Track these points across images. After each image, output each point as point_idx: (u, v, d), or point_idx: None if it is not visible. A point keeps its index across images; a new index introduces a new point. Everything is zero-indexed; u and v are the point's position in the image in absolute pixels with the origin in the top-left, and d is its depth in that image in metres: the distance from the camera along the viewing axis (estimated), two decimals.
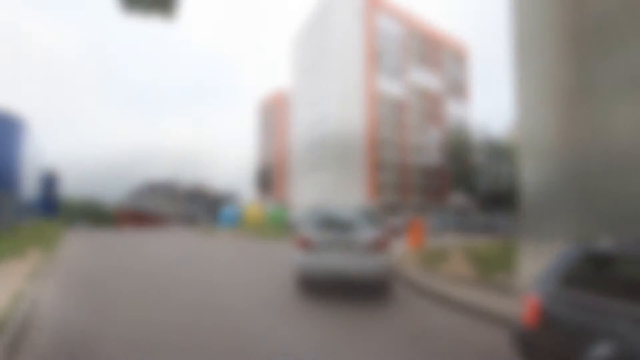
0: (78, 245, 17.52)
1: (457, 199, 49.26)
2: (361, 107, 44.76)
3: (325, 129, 49.22)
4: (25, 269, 8.75)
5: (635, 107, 6.70)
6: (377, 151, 45.88)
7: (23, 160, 29.84)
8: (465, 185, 39.01)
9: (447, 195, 50.73)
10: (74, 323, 5.28)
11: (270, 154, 70.17)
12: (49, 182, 37.97)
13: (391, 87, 46.82)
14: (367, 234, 6.96)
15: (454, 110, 54.43)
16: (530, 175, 7.34)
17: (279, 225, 32.39)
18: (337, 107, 46.67)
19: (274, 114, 71.44)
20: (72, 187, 40.50)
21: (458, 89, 55.28)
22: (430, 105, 51.96)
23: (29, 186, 32.23)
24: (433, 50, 53.66)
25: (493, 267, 8.96)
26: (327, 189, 46.39)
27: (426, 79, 51.21)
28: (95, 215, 35.45)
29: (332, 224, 7.12)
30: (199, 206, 52.66)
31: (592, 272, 3.25)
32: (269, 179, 66.65)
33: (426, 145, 49.93)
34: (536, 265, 6.17)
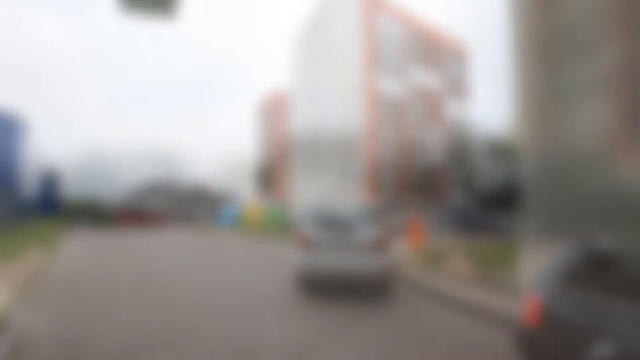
0: (76, 250, 17.40)
1: (457, 198, 49.29)
2: (361, 107, 44.74)
3: (325, 128, 49.24)
4: (17, 278, 8.07)
5: (598, 108, 6.94)
6: (377, 150, 45.88)
7: (23, 160, 29.82)
8: (465, 184, 39.03)
9: (447, 194, 50.76)
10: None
11: (269, 153, 70.19)
12: (49, 182, 37.95)
13: (391, 87, 46.81)
14: (367, 233, 6.95)
15: (454, 109, 54.46)
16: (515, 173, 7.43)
17: (279, 225, 32.39)
18: (337, 107, 46.66)
19: (273, 113, 71.46)
20: (72, 187, 40.41)
21: (458, 88, 55.31)
22: (431, 105, 51.95)
23: (28, 186, 32.19)
24: (433, 49, 53.60)
25: (494, 266, 8.95)
26: (327, 189, 46.40)
27: (426, 78, 51.19)
28: (96, 215, 35.36)
29: (332, 224, 7.11)
30: (198, 206, 52.66)
31: (594, 271, 3.23)
32: (268, 178, 66.65)
33: (426, 145, 49.97)
34: (537, 264, 6.17)
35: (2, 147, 26.65)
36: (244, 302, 6.66)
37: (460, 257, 10.47)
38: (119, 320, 5.41)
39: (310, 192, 49.84)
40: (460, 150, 39.30)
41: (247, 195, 64.18)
